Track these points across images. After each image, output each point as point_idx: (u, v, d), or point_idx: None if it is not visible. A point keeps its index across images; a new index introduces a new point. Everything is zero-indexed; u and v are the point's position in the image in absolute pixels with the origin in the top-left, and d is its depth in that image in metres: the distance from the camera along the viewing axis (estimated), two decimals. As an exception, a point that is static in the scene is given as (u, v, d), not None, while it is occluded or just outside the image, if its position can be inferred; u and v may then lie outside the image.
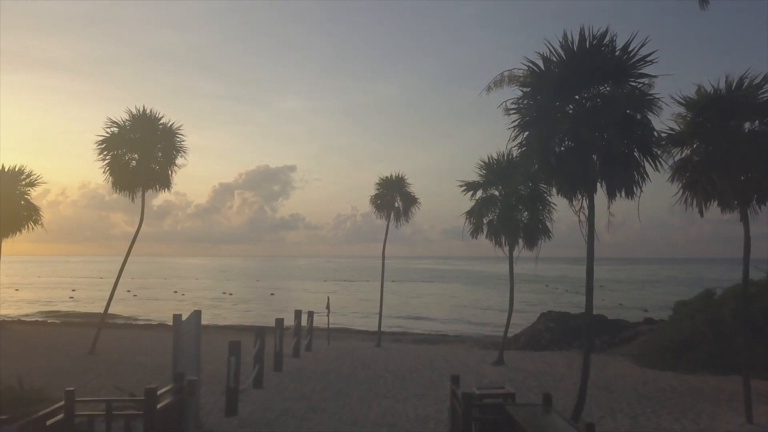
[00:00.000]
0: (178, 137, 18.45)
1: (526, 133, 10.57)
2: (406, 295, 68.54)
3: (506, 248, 16.65)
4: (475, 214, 16.72)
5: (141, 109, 17.90)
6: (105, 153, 17.55)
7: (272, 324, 40.24)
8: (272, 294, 74.42)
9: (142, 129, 17.87)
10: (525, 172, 14.01)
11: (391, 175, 21.66)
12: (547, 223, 16.46)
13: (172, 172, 18.44)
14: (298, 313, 19.38)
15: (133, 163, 17.85)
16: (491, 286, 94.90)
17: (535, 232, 16.22)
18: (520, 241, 16.52)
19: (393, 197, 21.82)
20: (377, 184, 21.94)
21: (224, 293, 75.41)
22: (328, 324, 24.53)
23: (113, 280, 19.77)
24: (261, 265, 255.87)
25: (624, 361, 18.27)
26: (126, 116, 17.78)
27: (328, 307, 23.76)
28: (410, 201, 21.78)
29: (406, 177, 21.84)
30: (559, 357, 19.89)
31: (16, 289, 79.71)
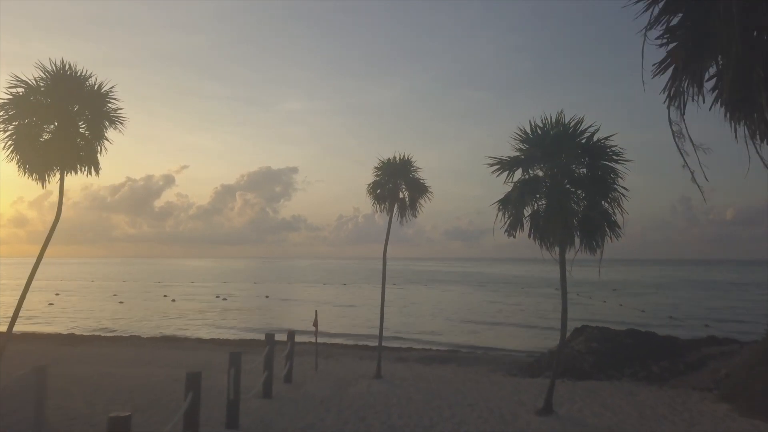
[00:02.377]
0: (110, 103, 13.72)
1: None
2: (410, 300, 63.65)
3: (556, 250, 11.79)
4: (513, 203, 11.91)
5: (59, 64, 13.20)
6: (7, 123, 12.83)
7: (260, 336, 34.88)
8: (267, 297, 70.07)
9: (61, 91, 13.14)
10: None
11: (394, 157, 16.84)
12: (616, 216, 11.63)
13: (101, 149, 13.70)
14: (270, 338, 14.74)
15: (47, 135, 13.08)
16: (496, 289, 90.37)
17: (598, 227, 11.42)
18: (577, 239, 11.70)
19: (397, 185, 16.95)
20: (376, 168, 17.08)
21: (218, 296, 71.19)
22: (316, 345, 19.79)
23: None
24: (261, 267, 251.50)
25: (708, 402, 13.46)
26: (39, 73, 13.10)
27: (315, 324, 19.03)
28: (419, 190, 16.89)
29: (413, 159, 17.00)
30: (616, 392, 15.17)
31: (-3, 294, 75.48)
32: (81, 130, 13.61)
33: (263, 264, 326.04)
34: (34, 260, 13.81)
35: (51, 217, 13.60)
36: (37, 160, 12.94)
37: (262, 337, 35.71)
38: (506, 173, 12.40)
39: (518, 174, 12.37)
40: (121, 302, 64.65)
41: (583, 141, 11.88)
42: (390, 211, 16.86)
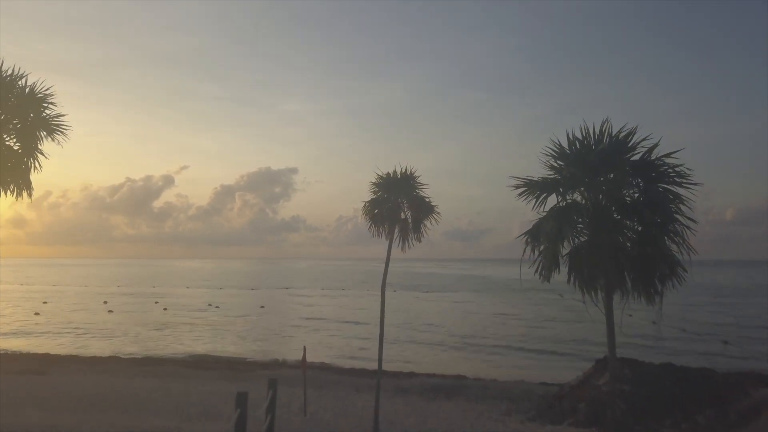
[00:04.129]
0: (47, 108, 11.16)
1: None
2: (410, 311, 60.39)
3: (602, 297, 9.17)
4: (546, 238, 9.31)
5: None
6: None
7: (252, 353, 31.71)
8: (262, 307, 67.38)
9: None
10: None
11: (395, 171, 14.22)
12: (680, 254, 9.01)
13: (34, 164, 11.14)
14: (242, 398, 12.10)
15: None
16: (501, 295, 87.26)
17: (656, 268, 8.84)
18: (628, 283, 9.09)
19: (398, 204, 14.30)
20: (373, 184, 14.42)
21: (210, 305, 68.55)
22: (305, 388, 17.17)
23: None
24: (260, 269, 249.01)
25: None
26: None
27: (303, 363, 16.45)
28: (424, 209, 14.23)
29: (416, 173, 14.36)
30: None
31: (-19, 302, 72.84)
32: (8, 142, 11.07)
33: (262, 266, 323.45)
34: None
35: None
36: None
37: (251, 357, 33.67)
38: (535, 197, 9.79)
39: (553, 199, 9.74)
40: (110, 311, 62.07)
41: (636, 158, 9.31)
42: (390, 235, 14.25)
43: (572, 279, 9.18)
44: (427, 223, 14.54)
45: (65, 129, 11.48)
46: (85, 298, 79.79)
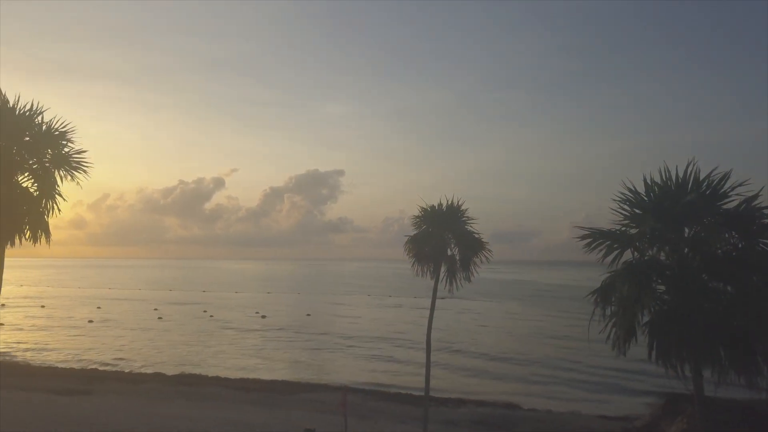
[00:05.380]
0: (66, 146, 10.38)
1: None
2: (453, 327, 55.76)
3: (690, 372, 7.63)
4: (620, 302, 7.84)
5: (-2, 97, 9.92)
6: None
7: (294, 370, 30.45)
8: (308, 315, 66.98)
9: (3, 131, 9.88)
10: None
11: (440, 204, 12.90)
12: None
13: (52, 208, 10.35)
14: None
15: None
16: (547, 305, 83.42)
17: (758, 341, 7.26)
18: (724, 359, 7.51)
19: (444, 240, 12.99)
20: (416, 218, 13.12)
21: (257, 312, 68.63)
22: (346, 429, 16.03)
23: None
24: (306, 272, 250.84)
25: None
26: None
27: (343, 406, 15.33)
28: (473, 246, 12.91)
29: (463, 205, 12.99)
30: None
31: (42, 306, 75.20)
32: (24, 183, 10.34)
33: (309, 268, 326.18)
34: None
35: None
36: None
37: (295, 378, 32.81)
38: (605, 252, 8.32)
39: (628, 255, 8.24)
40: (160, 318, 62.97)
41: (730, 206, 7.75)
42: (435, 274, 12.96)
43: (653, 353, 7.66)
44: (478, 259, 13.24)
45: (87, 166, 10.69)
46: (137, 303, 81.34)
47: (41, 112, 10.39)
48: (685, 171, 7.91)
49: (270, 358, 38.98)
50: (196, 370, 33.80)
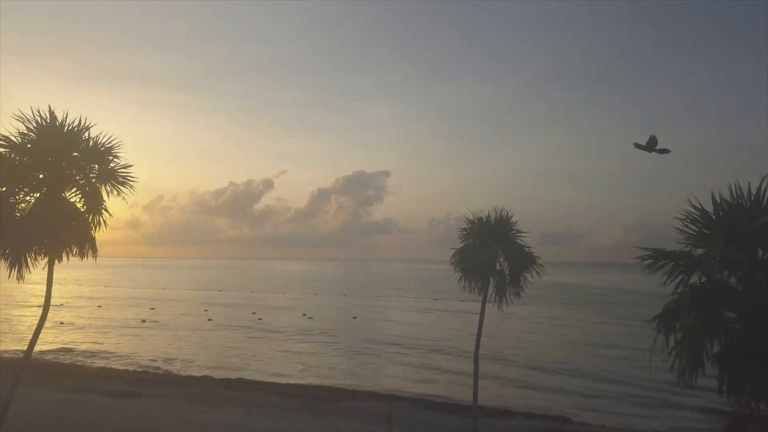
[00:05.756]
0: (113, 160, 10.44)
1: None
2: (499, 334, 53.03)
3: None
4: (686, 330, 7.23)
5: (46, 114, 10.06)
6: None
7: (339, 376, 29.83)
8: (354, 318, 67.09)
9: (48, 148, 10.00)
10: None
11: (488, 216, 12.38)
12: None
13: (98, 224, 10.42)
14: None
15: (23, 205, 9.92)
16: (596, 309, 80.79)
17: None
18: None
19: (493, 254, 12.49)
20: (462, 230, 12.63)
21: (304, 314, 69.25)
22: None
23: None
24: (353, 273, 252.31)
25: None
26: (22, 126, 10.02)
27: (390, 416, 15.02)
28: (523, 260, 12.35)
29: (512, 216, 12.42)
30: None
31: (99, 306, 77.90)
32: (72, 198, 10.44)
33: (355, 269, 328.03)
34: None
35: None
36: (13, 240, 9.79)
37: (339, 384, 32.74)
38: (669, 275, 7.71)
39: (695, 278, 7.60)
40: (209, 319, 64.22)
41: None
42: (484, 289, 12.47)
43: (723, 387, 7.03)
44: (528, 274, 12.68)
45: (133, 181, 10.73)
46: (189, 304, 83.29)
47: (88, 128, 10.49)
48: (759, 187, 7.25)
49: (315, 362, 39.08)
50: (243, 374, 34.17)
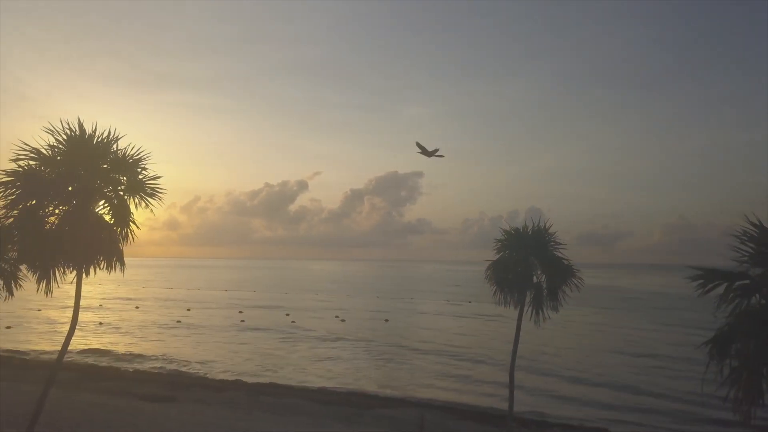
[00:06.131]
0: (141, 171, 10.31)
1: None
2: (534, 336, 53.73)
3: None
4: (741, 355, 6.64)
5: (76, 127, 9.98)
6: (10, 207, 9.73)
7: (371, 381, 29.32)
8: (387, 321, 66.76)
9: (77, 161, 9.93)
10: None
11: (525, 227, 11.86)
12: None
13: (126, 236, 10.29)
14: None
15: (54, 219, 9.84)
16: (637, 314, 78.42)
17: None
18: None
19: (530, 266, 11.95)
20: (498, 242, 12.13)
21: (336, 317, 69.27)
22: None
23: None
24: (386, 274, 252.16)
25: None
26: (51, 139, 9.98)
27: (422, 428, 14.62)
28: (562, 272, 11.80)
29: (551, 227, 11.86)
30: None
31: (137, 307, 79.39)
32: (101, 211, 10.34)
33: (388, 269, 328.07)
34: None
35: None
36: (42, 253, 9.72)
37: (372, 390, 32.46)
38: (724, 297, 7.11)
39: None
40: (242, 321, 64.77)
41: None
42: (520, 303, 11.96)
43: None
44: (566, 287, 12.11)
45: (161, 192, 10.55)
46: (223, 305, 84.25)
47: (117, 139, 10.39)
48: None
49: (346, 366, 38.85)
50: (275, 378, 34.23)
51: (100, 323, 60.01)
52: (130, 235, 10.40)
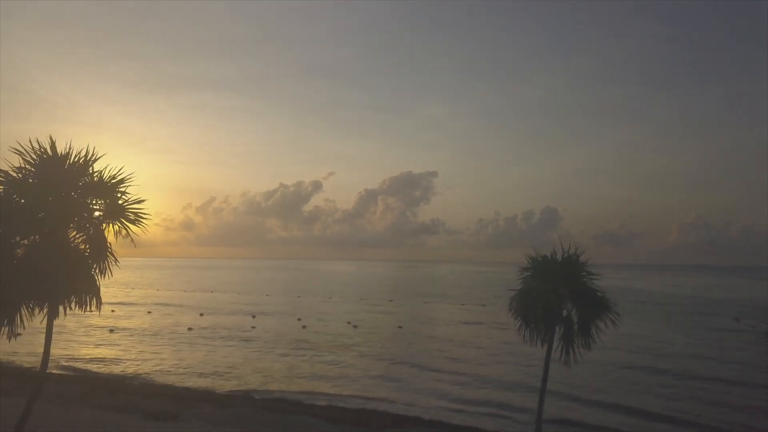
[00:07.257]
0: (122, 196, 9.13)
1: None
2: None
3: None
4: None
5: (46, 146, 8.83)
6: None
7: (383, 396, 27.85)
8: (400, 327, 65.46)
9: (51, 184, 8.77)
10: None
11: (553, 253, 10.52)
12: None
13: (104, 271, 9.11)
14: None
15: (20, 250, 8.68)
16: (655, 318, 76.21)
17: None
18: None
19: (559, 298, 10.57)
20: (523, 270, 10.78)
21: (349, 323, 68.11)
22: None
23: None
24: (400, 275, 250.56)
25: None
26: (20, 160, 8.83)
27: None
28: (595, 305, 10.42)
29: (582, 254, 10.46)
30: None
31: (149, 312, 78.86)
32: (76, 240, 9.15)
33: (402, 270, 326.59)
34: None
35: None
36: (8, 289, 8.53)
37: (382, 407, 31.07)
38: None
39: None
40: (253, 327, 63.90)
41: None
42: (548, 339, 10.59)
43: None
44: (601, 322, 10.73)
45: (144, 217, 9.36)
46: (236, 310, 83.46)
47: (95, 160, 9.20)
48: None
49: (357, 378, 37.54)
50: (285, 392, 33.14)
51: (111, 330, 59.39)
52: (108, 269, 9.22)
